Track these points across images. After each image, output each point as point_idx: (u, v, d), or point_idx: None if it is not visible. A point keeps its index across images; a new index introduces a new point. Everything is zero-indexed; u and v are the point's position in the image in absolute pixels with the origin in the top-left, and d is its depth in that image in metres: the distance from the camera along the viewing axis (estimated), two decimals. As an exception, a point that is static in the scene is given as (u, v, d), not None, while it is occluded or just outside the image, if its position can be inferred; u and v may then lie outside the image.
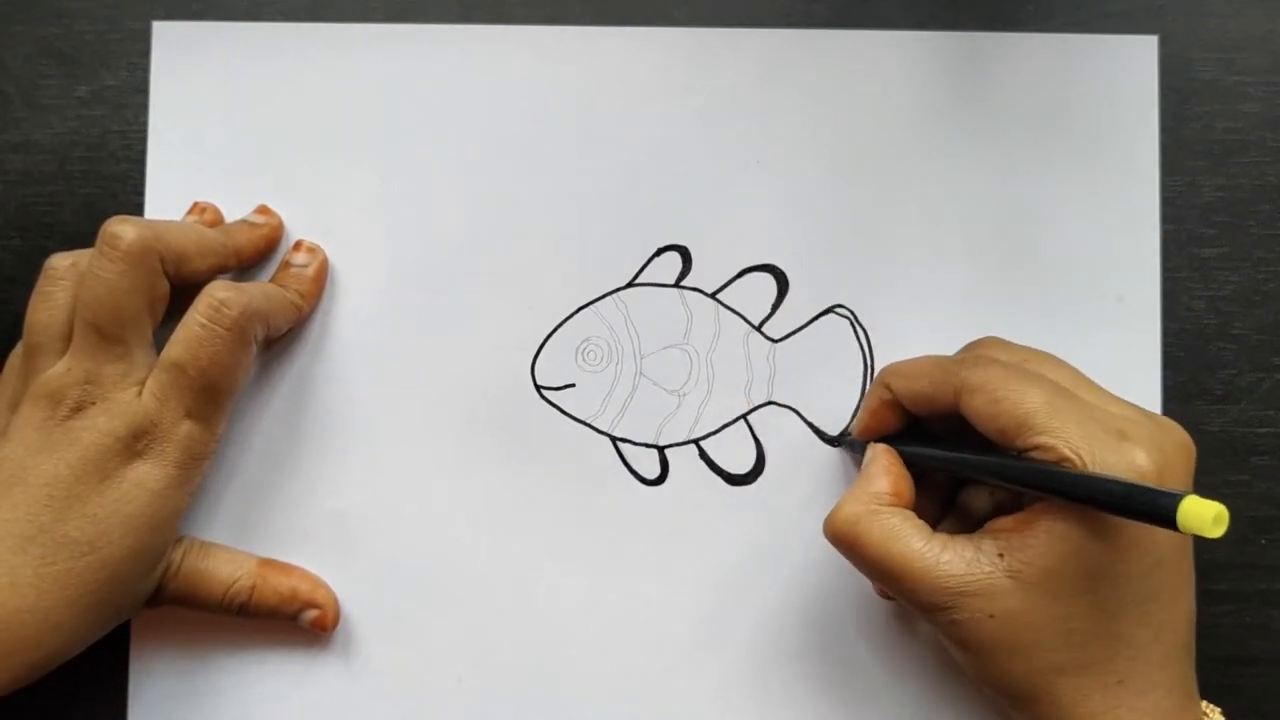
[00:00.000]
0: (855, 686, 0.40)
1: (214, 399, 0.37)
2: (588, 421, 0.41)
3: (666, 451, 0.41)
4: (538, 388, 0.41)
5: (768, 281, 0.41)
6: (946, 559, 0.33)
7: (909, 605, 0.34)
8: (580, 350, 0.40)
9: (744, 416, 0.41)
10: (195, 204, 0.41)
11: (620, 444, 0.41)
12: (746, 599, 0.40)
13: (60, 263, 0.37)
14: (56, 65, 0.42)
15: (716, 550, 0.41)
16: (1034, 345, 0.40)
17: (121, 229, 0.36)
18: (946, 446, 0.36)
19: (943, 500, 0.38)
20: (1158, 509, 0.28)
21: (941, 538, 0.33)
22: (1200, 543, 0.38)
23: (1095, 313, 0.41)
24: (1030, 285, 0.41)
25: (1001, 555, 0.32)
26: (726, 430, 0.41)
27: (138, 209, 0.41)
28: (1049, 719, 0.33)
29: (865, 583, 0.40)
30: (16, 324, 0.37)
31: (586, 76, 0.41)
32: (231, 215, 0.41)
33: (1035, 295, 0.41)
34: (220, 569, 0.38)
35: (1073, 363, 0.40)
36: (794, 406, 0.41)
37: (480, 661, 0.40)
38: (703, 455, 0.41)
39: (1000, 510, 0.35)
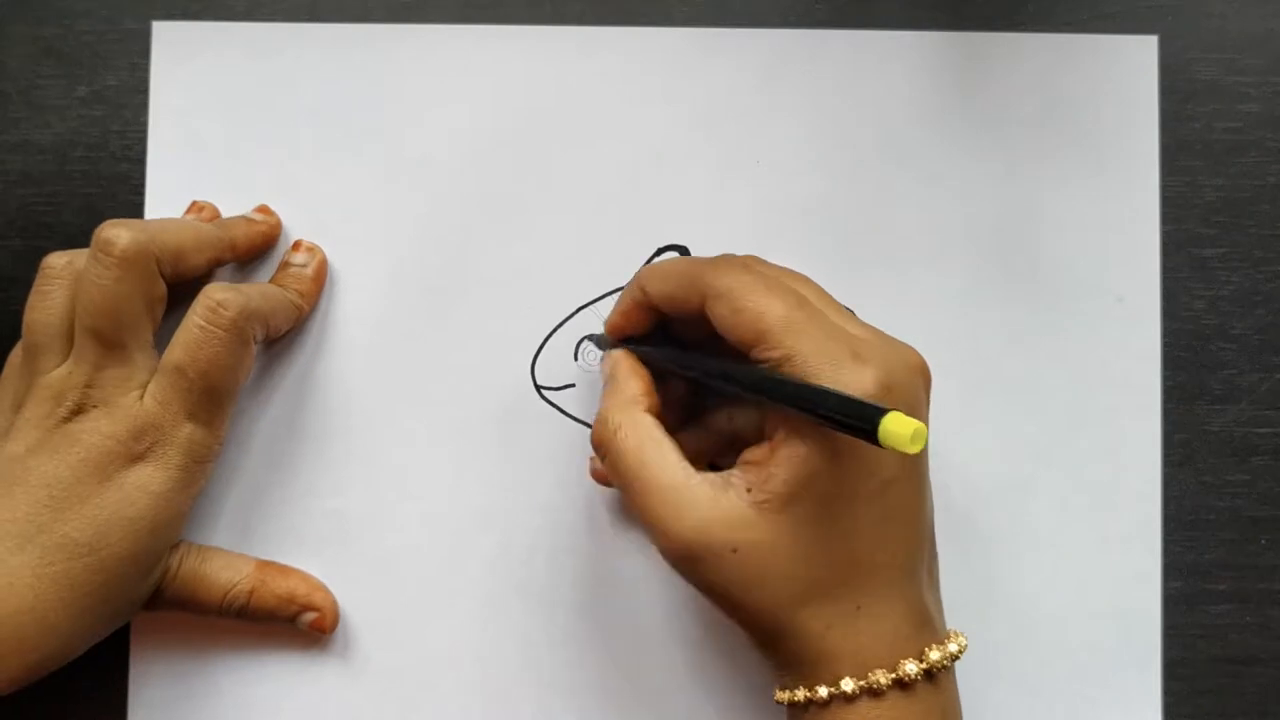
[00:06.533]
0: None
1: (215, 400, 0.37)
2: (588, 422, 0.41)
3: (666, 451, 0.41)
4: (538, 388, 0.41)
5: (767, 281, 0.41)
6: (697, 487, 0.32)
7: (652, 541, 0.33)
8: (580, 350, 0.40)
9: (743, 416, 0.41)
10: (193, 203, 0.41)
11: (620, 444, 0.41)
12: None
13: (56, 261, 0.37)
14: (56, 65, 0.42)
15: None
16: (1034, 345, 0.41)
17: (115, 234, 0.35)
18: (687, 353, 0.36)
19: (682, 410, 0.38)
20: (863, 422, 0.28)
21: (701, 475, 0.33)
22: (1201, 542, 0.38)
23: (1095, 313, 0.41)
24: (1031, 285, 0.41)
25: (750, 489, 0.32)
26: (726, 430, 0.41)
27: (138, 209, 0.41)
28: (796, 654, 0.33)
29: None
30: (17, 324, 0.37)
31: (586, 76, 0.41)
32: (230, 215, 0.41)
33: (1035, 295, 0.41)
34: (218, 573, 0.38)
35: (1072, 363, 0.41)
36: (794, 406, 0.41)
37: (480, 661, 0.40)
38: (702, 455, 0.41)
39: (742, 437, 0.35)
